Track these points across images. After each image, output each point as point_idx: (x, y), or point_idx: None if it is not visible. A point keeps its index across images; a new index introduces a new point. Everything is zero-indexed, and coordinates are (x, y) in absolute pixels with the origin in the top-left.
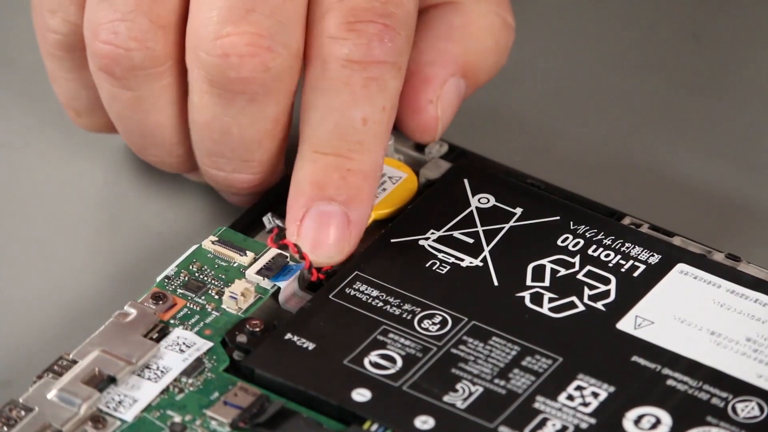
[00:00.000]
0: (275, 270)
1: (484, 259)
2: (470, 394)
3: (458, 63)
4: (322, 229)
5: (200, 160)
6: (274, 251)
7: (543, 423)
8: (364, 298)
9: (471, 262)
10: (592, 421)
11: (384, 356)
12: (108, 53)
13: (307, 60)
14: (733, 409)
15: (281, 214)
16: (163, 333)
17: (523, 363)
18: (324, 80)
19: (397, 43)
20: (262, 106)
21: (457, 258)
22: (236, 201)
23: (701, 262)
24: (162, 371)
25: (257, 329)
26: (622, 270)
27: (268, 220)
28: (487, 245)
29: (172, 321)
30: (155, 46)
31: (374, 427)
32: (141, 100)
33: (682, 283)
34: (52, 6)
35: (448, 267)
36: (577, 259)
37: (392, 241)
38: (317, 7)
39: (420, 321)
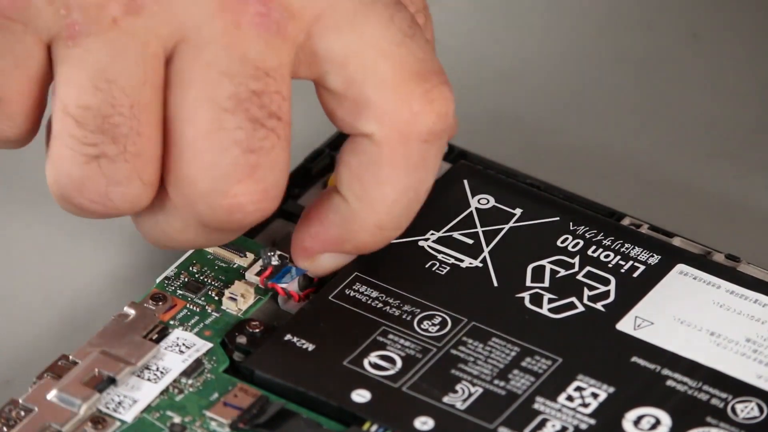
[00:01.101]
0: (275, 271)
1: (483, 260)
2: (470, 394)
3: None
4: (337, 267)
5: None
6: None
7: (543, 424)
8: (363, 299)
9: (471, 263)
10: (592, 421)
11: (384, 357)
12: (93, 209)
13: (377, 138)
14: (733, 409)
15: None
16: (163, 334)
17: (523, 364)
18: (404, 158)
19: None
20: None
21: (456, 259)
22: None
23: (701, 263)
24: (162, 372)
25: (257, 330)
26: (622, 270)
27: (265, 256)
28: (487, 246)
29: (171, 322)
30: (145, 202)
31: (374, 427)
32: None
33: (682, 283)
34: None
35: (448, 268)
36: (576, 260)
37: (392, 241)
38: (363, 81)
39: (420, 322)
